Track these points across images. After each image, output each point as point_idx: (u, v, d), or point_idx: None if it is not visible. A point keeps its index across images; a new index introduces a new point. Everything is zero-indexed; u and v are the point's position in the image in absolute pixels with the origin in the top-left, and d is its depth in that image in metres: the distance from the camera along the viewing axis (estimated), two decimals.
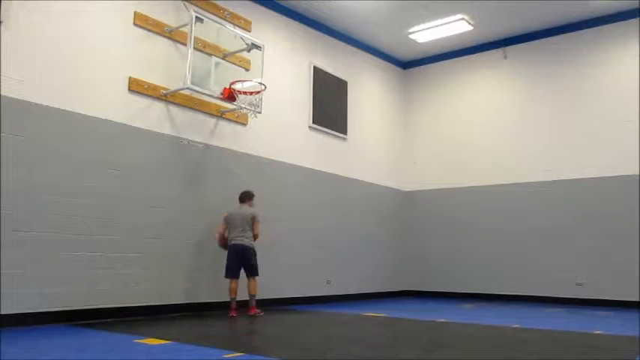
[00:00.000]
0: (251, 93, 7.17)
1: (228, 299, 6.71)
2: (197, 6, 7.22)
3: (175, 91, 6.81)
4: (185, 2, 7.11)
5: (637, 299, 8.32)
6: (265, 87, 7.23)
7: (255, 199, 7.99)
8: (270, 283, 7.94)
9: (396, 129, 11.29)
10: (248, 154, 7.88)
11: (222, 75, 7.20)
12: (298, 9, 8.95)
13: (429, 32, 9.88)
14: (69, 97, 5.85)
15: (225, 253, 6.86)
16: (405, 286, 10.91)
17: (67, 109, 5.82)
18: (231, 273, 6.66)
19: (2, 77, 5.30)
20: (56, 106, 5.73)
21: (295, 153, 8.70)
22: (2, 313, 5.10)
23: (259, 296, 7.77)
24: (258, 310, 6.75)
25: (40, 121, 5.58)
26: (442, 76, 11.12)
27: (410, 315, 7.19)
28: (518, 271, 9.63)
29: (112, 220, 6.09)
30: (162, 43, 6.88)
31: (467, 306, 8.78)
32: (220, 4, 7.63)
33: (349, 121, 9.92)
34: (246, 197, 7.00)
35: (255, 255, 6.79)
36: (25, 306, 5.30)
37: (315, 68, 9.24)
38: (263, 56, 7.52)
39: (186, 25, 6.75)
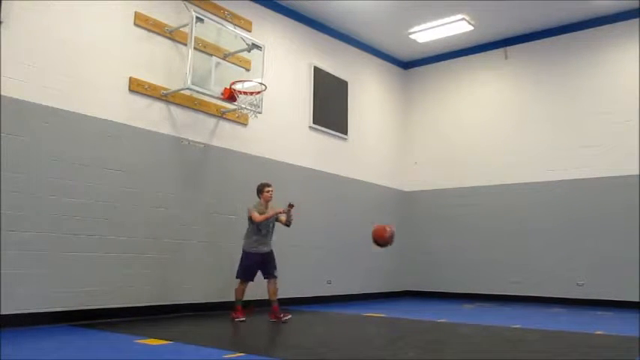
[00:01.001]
0: (251, 93, 7.17)
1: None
2: (197, 6, 7.22)
3: (176, 91, 6.81)
4: (185, 2, 7.11)
5: (637, 299, 8.32)
6: (265, 87, 7.23)
7: (256, 199, 8.01)
8: None
9: (397, 129, 11.29)
10: (248, 154, 7.87)
11: (223, 75, 7.20)
12: (298, 9, 8.95)
13: (430, 32, 9.87)
14: (69, 97, 5.85)
15: (226, 254, 6.85)
16: (405, 286, 10.91)
17: (67, 109, 5.82)
18: None
19: (2, 77, 5.30)
20: (56, 106, 5.72)
21: (295, 153, 8.70)
22: (2, 313, 5.09)
23: (259, 296, 7.79)
24: (241, 317, 6.13)
25: (40, 121, 5.58)
26: (442, 76, 11.12)
27: (410, 315, 7.19)
28: (519, 271, 9.62)
29: (111, 220, 6.09)
30: (162, 43, 6.88)
31: (467, 306, 8.77)
32: (221, 4, 7.63)
33: (349, 121, 9.92)
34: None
35: (241, 256, 6.34)
36: (25, 306, 5.30)
37: (315, 68, 9.24)
38: (263, 56, 7.52)
39: (186, 25, 6.75)
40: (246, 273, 6.23)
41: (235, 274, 6.27)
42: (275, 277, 6.23)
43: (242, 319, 6.08)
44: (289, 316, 6.18)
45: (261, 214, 6.22)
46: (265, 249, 6.29)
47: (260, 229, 6.24)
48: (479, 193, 10.30)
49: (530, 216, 9.66)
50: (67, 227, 5.68)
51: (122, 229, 6.18)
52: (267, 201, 6.39)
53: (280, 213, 6.28)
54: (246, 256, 6.25)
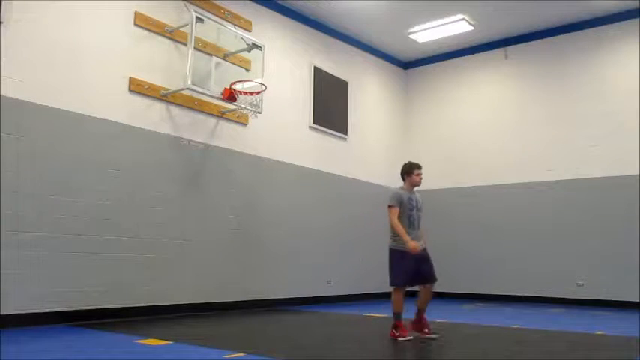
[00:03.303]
0: (251, 93, 7.17)
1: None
2: (197, 6, 7.22)
3: (176, 91, 6.81)
4: (185, 2, 7.11)
5: (637, 299, 8.32)
6: (265, 87, 7.23)
7: (256, 199, 8.01)
8: (271, 283, 7.96)
9: (397, 129, 11.29)
10: (248, 154, 7.87)
11: (223, 75, 7.20)
12: (299, 9, 8.95)
13: (430, 32, 9.88)
14: (69, 97, 5.85)
15: (226, 254, 6.80)
16: None
17: (67, 109, 5.82)
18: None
19: (2, 77, 5.30)
20: (56, 106, 5.72)
21: (295, 153, 8.70)
22: (2, 313, 5.09)
23: (261, 296, 7.79)
24: (397, 333, 4.86)
25: (40, 121, 5.58)
26: (442, 76, 11.12)
27: (410, 315, 7.16)
28: (519, 271, 9.62)
29: (111, 220, 6.09)
30: (162, 43, 6.88)
31: (467, 306, 8.77)
32: (221, 4, 7.63)
33: (349, 121, 9.92)
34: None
35: (390, 257, 5.08)
36: (25, 306, 5.30)
37: (315, 68, 9.24)
38: (263, 56, 7.51)
39: (186, 25, 6.75)
40: (408, 276, 4.94)
41: (391, 281, 5.00)
42: (436, 280, 5.06)
43: (409, 337, 4.83)
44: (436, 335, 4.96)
45: (406, 200, 5.12)
46: (421, 243, 5.09)
47: (411, 219, 5.09)
48: (479, 193, 10.30)
49: (530, 216, 9.66)
50: (67, 227, 5.68)
51: (122, 229, 6.18)
52: (414, 186, 5.28)
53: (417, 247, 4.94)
54: (402, 255, 4.95)
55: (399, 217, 5.04)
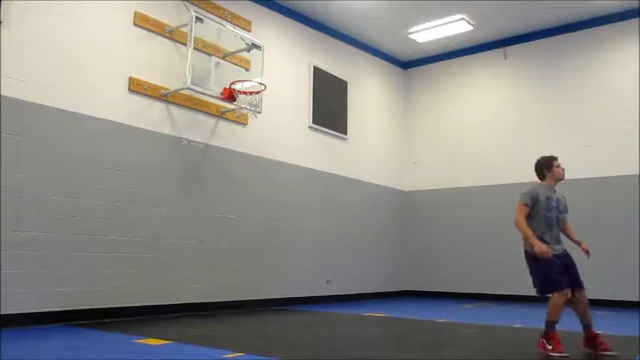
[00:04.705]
0: (251, 93, 7.18)
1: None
2: (197, 6, 7.22)
3: (175, 91, 6.81)
4: (185, 2, 7.11)
5: (637, 299, 8.31)
6: (265, 87, 7.23)
7: (256, 199, 8.01)
8: (271, 283, 7.96)
9: (396, 129, 11.29)
10: (248, 154, 7.87)
11: (222, 75, 7.20)
12: (298, 9, 8.95)
13: (429, 32, 9.88)
14: (69, 97, 5.84)
15: (226, 254, 6.79)
16: (405, 286, 10.90)
17: (67, 109, 5.82)
18: None
19: (2, 77, 5.30)
20: (56, 106, 5.72)
21: (295, 153, 8.70)
22: (2, 313, 5.09)
23: (261, 296, 7.79)
24: (549, 347, 4.07)
25: (40, 121, 5.58)
26: (442, 76, 11.12)
27: (410, 315, 7.19)
28: (519, 271, 9.58)
29: (111, 220, 6.09)
30: (162, 43, 6.88)
31: (467, 306, 8.77)
32: (220, 4, 7.63)
33: (349, 121, 9.92)
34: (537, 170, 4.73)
35: (530, 261, 4.66)
36: (25, 306, 5.30)
37: (315, 68, 9.24)
38: (263, 56, 7.52)
39: (186, 25, 6.75)
40: (565, 278, 4.37)
41: (541, 287, 4.55)
42: (583, 287, 4.44)
43: (565, 354, 3.99)
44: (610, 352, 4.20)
45: (543, 199, 4.46)
46: (560, 247, 4.60)
47: (549, 220, 4.48)
48: (479, 193, 10.30)
49: None
50: (67, 227, 5.68)
51: (122, 229, 6.18)
52: (557, 181, 4.61)
53: (543, 251, 4.40)
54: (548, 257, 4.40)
55: (532, 218, 4.43)
